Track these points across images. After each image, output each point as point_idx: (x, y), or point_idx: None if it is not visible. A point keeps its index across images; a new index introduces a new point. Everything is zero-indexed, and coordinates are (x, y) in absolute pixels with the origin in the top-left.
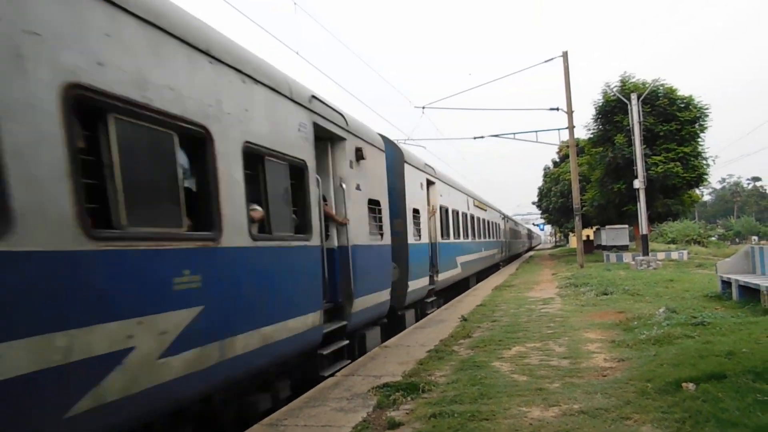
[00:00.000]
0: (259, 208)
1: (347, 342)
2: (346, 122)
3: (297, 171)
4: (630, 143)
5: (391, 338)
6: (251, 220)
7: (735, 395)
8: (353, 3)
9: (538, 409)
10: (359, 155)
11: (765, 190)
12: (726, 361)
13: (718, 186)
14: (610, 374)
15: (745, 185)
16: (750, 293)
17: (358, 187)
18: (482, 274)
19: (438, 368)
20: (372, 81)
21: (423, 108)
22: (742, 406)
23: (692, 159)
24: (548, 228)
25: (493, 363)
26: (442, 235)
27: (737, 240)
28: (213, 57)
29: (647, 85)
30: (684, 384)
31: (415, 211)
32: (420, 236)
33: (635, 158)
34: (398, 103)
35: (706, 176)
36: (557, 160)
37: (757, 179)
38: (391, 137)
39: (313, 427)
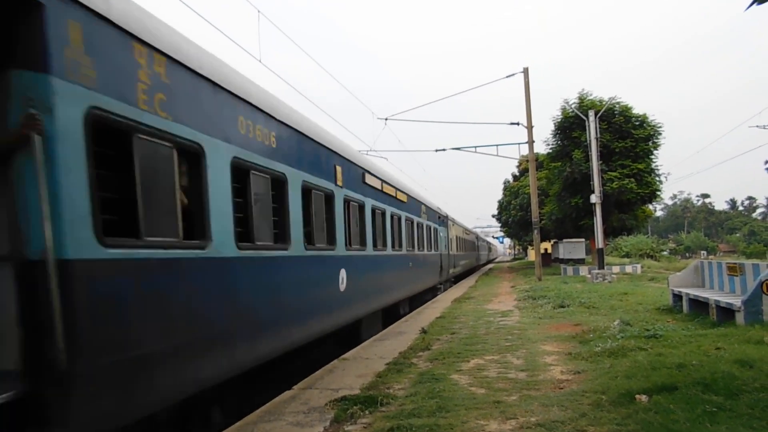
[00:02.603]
0: None
1: None
2: None
3: None
4: (587, 159)
5: (350, 350)
6: None
7: (685, 407)
8: (318, 15)
9: (496, 422)
10: None
11: (713, 206)
12: (677, 373)
13: (670, 202)
14: (567, 386)
15: (694, 202)
16: (699, 306)
17: None
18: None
19: (397, 381)
20: (334, 90)
21: (386, 120)
22: (692, 417)
23: (646, 175)
24: (507, 241)
25: (452, 376)
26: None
27: (687, 254)
28: None
29: (604, 103)
30: (637, 396)
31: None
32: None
33: (592, 173)
34: (361, 113)
35: (659, 192)
36: (517, 173)
37: (706, 196)
38: (354, 148)
39: None
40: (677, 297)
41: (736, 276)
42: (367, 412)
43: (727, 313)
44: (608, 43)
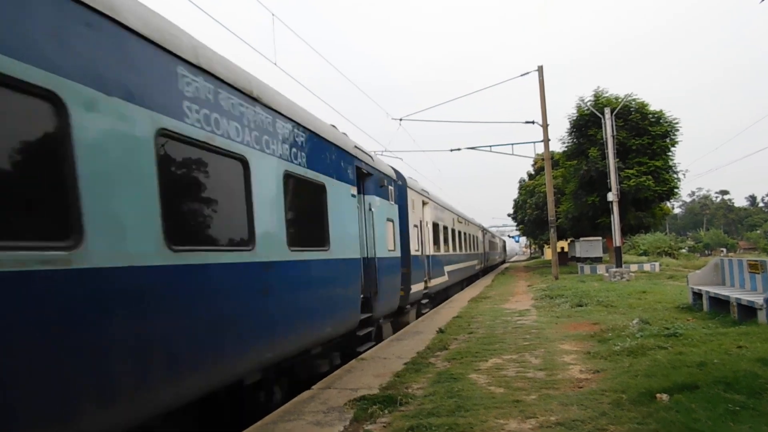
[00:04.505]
0: None
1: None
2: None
3: None
4: (603, 156)
5: (368, 350)
6: None
7: (707, 406)
8: (332, 17)
9: (515, 422)
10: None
11: (733, 203)
12: (698, 371)
13: (688, 199)
14: (586, 385)
15: (713, 198)
16: (720, 304)
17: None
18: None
19: (415, 380)
20: (350, 92)
21: (400, 120)
22: (714, 416)
23: (663, 172)
24: (523, 240)
25: (470, 375)
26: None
27: (706, 252)
28: None
29: (620, 100)
30: (658, 395)
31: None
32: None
33: (609, 171)
34: (376, 114)
35: (677, 189)
36: (532, 172)
37: (725, 192)
38: (368, 149)
39: None
40: (697, 295)
41: (758, 273)
42: (386, 411)
43: (748, 311)
44: (623, 42)
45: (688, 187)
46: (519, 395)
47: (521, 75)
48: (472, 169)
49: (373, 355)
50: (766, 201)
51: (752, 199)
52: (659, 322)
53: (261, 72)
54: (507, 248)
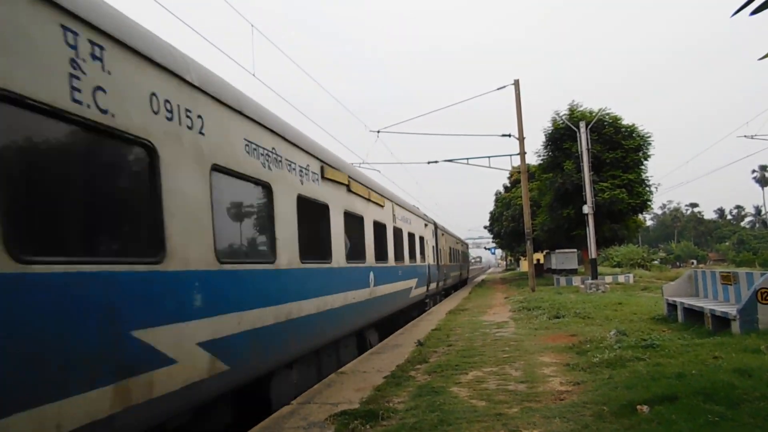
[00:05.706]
0: None
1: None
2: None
3: None
4: (578, 169)
5: (347, 364)
6: None
7: (687, 417)
8: (312, 30)
9: None
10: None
11: (702, 215)
12: (677, 383)
13: (660, 211)
14: (567, 398)
15: (684, 211)
16: (694, 315)
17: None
18: None
19: (396, 394)
20: (328, 102)
21: (378, 132)
22: (694, 427)
23: (637, 185)
24: (499, 252)
25: (451, 388)
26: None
27: (678, 264)
28: None
29: (594, 114)
30: (639, 406)
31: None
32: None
33: (584, 184)
34: (354, 126)
35: (649, 202)
36: (508, 185)
37: (694, 205)
38: (347, 161)
39: None
40: (672, 306)
41: (730, 285)
42: (368, 426)
43: (722, 322)
44: (600, 59)
45: (660, 199)
46: (501, 408)
47: (498, 89)
48: (449, 182)
49: (353, 368)
50: (734, 213)
51: (721, 211)
52: (636, 334)
53: (240, 83)
54: (470, 259)
